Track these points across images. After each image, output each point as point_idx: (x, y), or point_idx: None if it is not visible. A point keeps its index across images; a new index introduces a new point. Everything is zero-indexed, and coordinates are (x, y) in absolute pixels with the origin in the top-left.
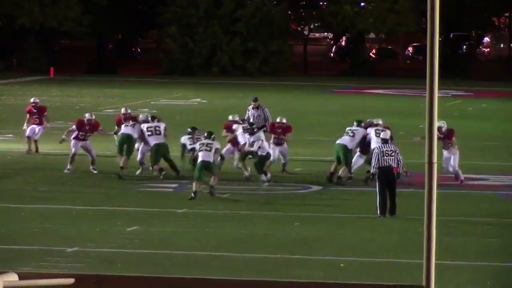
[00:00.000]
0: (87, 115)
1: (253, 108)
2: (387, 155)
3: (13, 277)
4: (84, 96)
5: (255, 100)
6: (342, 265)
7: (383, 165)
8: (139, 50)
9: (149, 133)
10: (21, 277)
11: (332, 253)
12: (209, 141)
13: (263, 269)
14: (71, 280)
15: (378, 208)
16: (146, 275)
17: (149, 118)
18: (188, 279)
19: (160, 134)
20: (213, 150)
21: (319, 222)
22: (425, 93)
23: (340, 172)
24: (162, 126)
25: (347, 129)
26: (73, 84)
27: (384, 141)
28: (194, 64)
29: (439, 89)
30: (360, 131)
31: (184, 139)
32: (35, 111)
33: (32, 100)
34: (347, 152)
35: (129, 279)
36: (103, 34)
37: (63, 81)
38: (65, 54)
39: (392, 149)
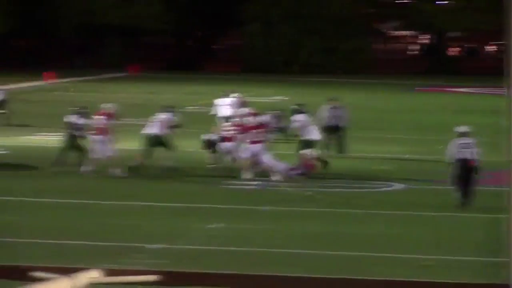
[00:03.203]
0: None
1: (331, 108)
2: (465, 147)
3: (96, 274)
4: (165, 93)
5: (334, 99)
6: (425, 263)
7: (460, 157)
8: (220, 47)
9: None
10: (105, 273)
11: (411, 251)
12: None
13: (344, 266)
14: (154, 277)
15: (457, 200)
16: (228, 272)
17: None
18: (270, 277)
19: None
20: None
21: (401, 220)
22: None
23: None
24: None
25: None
26: (154, 81)
27: (462, 134)
28: (275, 61)
29: None
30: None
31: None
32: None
33: None
34: None
35: (212, 276)
36: (184, 31)
37: (143, 78)
38: (146, 51)
39: (471, 142)
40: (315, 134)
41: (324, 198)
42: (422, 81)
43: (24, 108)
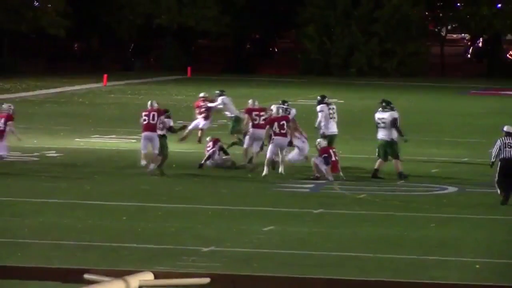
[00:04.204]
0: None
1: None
2: (509, 146)
3: (149, 276)
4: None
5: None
6: (477, 266)
7: (504, 156)
8: (276, 50)
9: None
10: (157, 276)
11: (468, 254)
12: None
13: (398, 269)
14: (207, 280)
15: (500, 197)
16: (282, 275)
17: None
18: (323, 280)
19: None
20: None
21: (455, 223)
22: None
23: None
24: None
25: None
26: (210, 83)
27: (508, 134)
28: (331, 64)
29: None
30: None
31: None
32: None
33: (201, 94)
34: None
35: (265, 279)
36: (241, 34)
37: (200, 80)
38: (203, 54)
39: None
40: (333, 128)
41: (377, 201)
42: (478, 84)
43: (79, 110)
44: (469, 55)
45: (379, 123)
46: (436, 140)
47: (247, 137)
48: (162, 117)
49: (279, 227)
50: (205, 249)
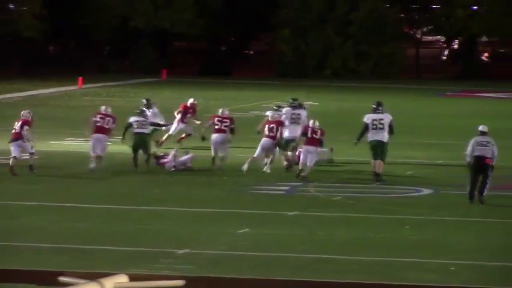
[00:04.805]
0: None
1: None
2: (482, 145)
3: (123, 279)
4: (197, 98)
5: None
6: (452, 268)
7: (477, 154)
8: (252, 52)
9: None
10: (132, 278)
11: (443, 256)
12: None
13: (374, 271)
14: (181, 282)
15: (468, 195)
16: (256, 277)
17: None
18: (298, 282)
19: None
20: None
21: (430, 225)
22: None
23: None
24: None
25: None
26: (186, 86)
27: (482, 133)
28: (307, 66)
29: None
30: None
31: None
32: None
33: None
34: None
35: (239, 282)
36: (216, 37)
37: (175, 83)
38: (178, 56)
39: (488, 140)
40: (291, 132)
41: (352, 203)
42: (453, 86)
43: (54, 113)
44: (444, 57)
45: (375, 125)
46: (411, 142)
47: (211, 144)
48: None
49: (254, 230)
50: (180, 252)
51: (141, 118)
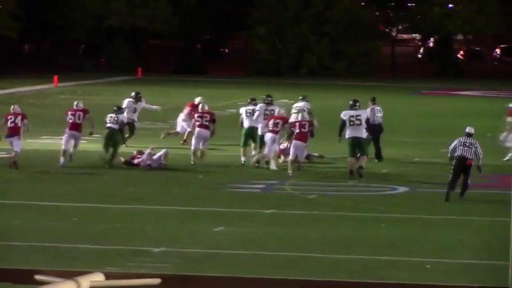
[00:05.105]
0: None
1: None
2: (465, 146)
3: (99, 277)
4: (172, 96)
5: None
6: (428, 266)
7: (459, 154)
8: (227, 50)
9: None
10: (108, 277)
11: (419, 254)
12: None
13: (350, 270)
14: (157, 280)
15: (445, 194)
16: (233, 275)
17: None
18: (274, 280)
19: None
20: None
21: (405, 223)
22: None
23: None
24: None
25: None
26: (161, 84)
27: (468, 134)
28: (282, 65)
29: None
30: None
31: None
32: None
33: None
34: None
35: (216, 280)
36: (192, 35)
37: (151, 81)
38: (153, 54)
39: (472, 142)
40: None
41: (328, 201)
42: (428, 84)
43: (30, 111)
44: (420, 55)
45: (353, 121)
46: (387, 140)
47: (193, 138)
48: (116, 115)
49: (230, 228)
50: (156, 250)
51: (114, 115)
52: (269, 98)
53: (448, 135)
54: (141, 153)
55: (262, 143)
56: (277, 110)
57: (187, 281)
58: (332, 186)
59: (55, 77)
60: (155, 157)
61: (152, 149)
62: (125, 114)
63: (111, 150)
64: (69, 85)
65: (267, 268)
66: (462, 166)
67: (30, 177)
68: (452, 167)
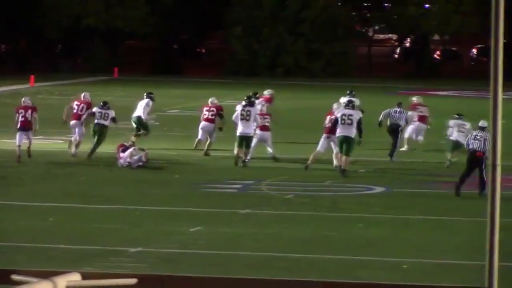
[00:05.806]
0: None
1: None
2: (476, 139)
3: (76, 277)
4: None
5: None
6: (405, 266)
7: (470, 147)
8: (203, 50)
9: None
10: (84, 277)
11: (395, 254)
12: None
13: (326, 269)
14: (134, 280)
15: (455, 186)
16: (209, 275)
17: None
18: (251, 280)
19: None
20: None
21: (382, 223)
22: (489, 95)
23: None
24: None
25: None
26: (138, 84)
27: (481, 128)
28: (259, 65)
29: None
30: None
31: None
32: None
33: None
34: None
35: (192, 280)
36: (168, 35)
37: (127, 81)
38: (130, 55)
39: (484, 136)
40: (244, 129)
41: (304, 201)
42: (405, 85)
43: (6, 111)
44: (396, 55)
45: (344, 120)
46: (365, 140)
47: (199, 128)
48: (106, 111)
49: (206, 228)
50: (132, 250)
51: (104, 110)
52: (249, 99)
53: (425, 135)
54: (124, 147)
55: (241, 144)
56: (253, 111)
57: (164, 281)
58: (308, 186)
59: (32, 77)
60: (136, 157)
61: (134, 149)
62: (113, 111)
63: (95, 143)
64: (45, 85)
65: (243, 268)
66: (473, 159)
67: (6, 177)
68: (466, 161)
